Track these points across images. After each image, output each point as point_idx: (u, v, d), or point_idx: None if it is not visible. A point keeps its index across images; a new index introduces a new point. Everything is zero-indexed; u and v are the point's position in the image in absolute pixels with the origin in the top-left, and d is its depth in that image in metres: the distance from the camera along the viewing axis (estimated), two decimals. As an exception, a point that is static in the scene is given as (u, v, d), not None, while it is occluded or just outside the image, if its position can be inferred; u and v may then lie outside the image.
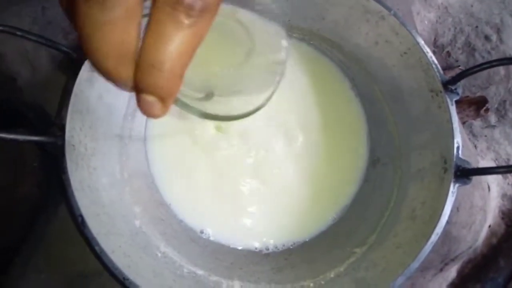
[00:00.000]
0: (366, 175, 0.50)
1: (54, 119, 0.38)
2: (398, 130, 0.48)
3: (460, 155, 0.39)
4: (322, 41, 0.53)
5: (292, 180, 0.50)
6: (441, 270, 0.53)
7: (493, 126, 0.82)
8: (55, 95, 0.43)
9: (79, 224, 0.34)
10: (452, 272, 0.63)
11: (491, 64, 0.39)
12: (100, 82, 0.41)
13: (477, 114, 0.79)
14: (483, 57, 0.84)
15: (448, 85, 0.42)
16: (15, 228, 0.47)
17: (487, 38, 0.84)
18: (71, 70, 0.38)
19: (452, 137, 0.40)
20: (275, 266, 0.44)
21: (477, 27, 0.84)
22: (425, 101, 0.44)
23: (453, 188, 0.38)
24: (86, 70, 0.39)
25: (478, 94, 0.82)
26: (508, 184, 0.74)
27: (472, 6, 0.84)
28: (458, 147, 0.40)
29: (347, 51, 0.52)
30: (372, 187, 0.48)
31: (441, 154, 0.41)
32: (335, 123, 0.52)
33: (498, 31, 0.83)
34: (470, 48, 0.85)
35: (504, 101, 0.83)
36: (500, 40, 0.82)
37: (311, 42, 0.54)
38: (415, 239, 0.38)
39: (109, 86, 0.42)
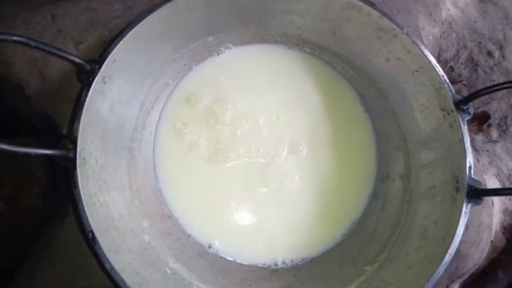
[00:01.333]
0: (375, 191, 0.50)
1: (66, 132, 0.37)
2: (407, 147, 0.48)
3: (472, 175, 0.40)
4: (333, 56, 0.53)
5: (300, 194, 0.50)
6: (447, 287, 0.53)
7: (495, 141, 0.82)
8: (64, 104, 0.43)
9: (90, 240, 0.33)
10: (455, 287, 0.63)
11: (502, 86, 0.39)
12: (112, 93, 0.41)
13: (480, 129, 0.79)
14: (485, 73, 0.85)
15: (460, 104, 0.42)
16: (20, 238, 0.46)
17: (490, 54, 0.85)
18: (83, 82, 0.38)
19: (465, 157, 0.40)
20: (284, 283, 0.44)
21: (480, 43, 0.85)
22: (436, 119, 0.44)
23: (465, 209, 0.38)
24: (98, 82, 0.38)
25: (481, 109, 0.82)
26: (510, 199, 0.74)
27: (475, 22, 0.85)
28: (470, 167, 0.40)
29: (357, 66, 0.52)
30: (381, 203, 0.48)
31: (453, 173, 0.41)
32: (343, 138, 0.52)
33: (501, 47, 0.84)
34: (473, 64, 0.86)
35: (506, 117, 0.84)
36: (503, 56, 0.83)
37: (322, 57, 0.54)
38: (427, 259, 0.38)
39: (120, 97, 0.42)
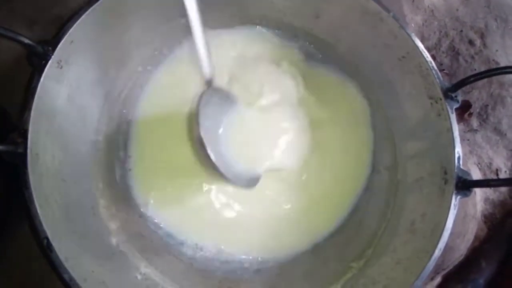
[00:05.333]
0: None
1: (14, 123, 0.32)
2: (393, 138, 0.46)
3: (461, 166, 0.38)
4: (316, 42, 0.50)
5: (284, 188, 0.47)
6: (432, 279, 0.52)
7: (475, 130, 0.82)
8: (17, 92, 0.38)
9: (45, 248, 0.29)
10: (438, 278, 0.63)
11: (493, 72, 0.37)
12: (70, 79, 0.36)
13: (461, 118, 0.79)
14: (466, 61, 0.85)
15: (448, 92, 0.40)
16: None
17: (471, 42, 0.84)
18: (35, 66, 0.33)
19: (453, 147, 0.38)
20: (267, 282, 0.41)
21: (461, 31, 0.85)
22: (423, 108, 0.42)
23: (455, 201, 0.36)
24: (53, 66, 0.34)
25: (462, 98, 0.82)
26: (490, 188, 0.75)
27: (457, 10, 0.84)
28: (459, 158, 0.38)
29: (341, 52, 0.49)
30: (367, 197, 0.46)
31: (441, 164, 0.39)
32: (335, 126, 0.49)
33: (482, 35, 0.83)
34: (454, 52, 0.85)
35: (486, 106, 0.84)
36: (484, 45, 0.82)
37: (306, 43, 0.50)
38: (416, 254, 0.36)
39: (81, 84, 0.37)
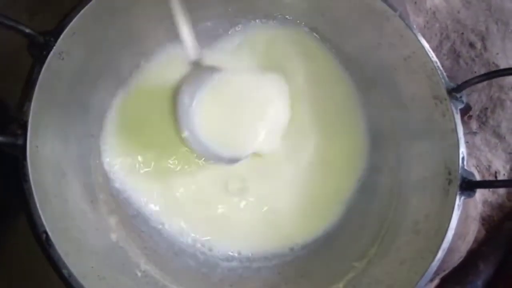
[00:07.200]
0: (362, 182, 0.47)
1: (14, 114, 0.32)
2: (396, 137, 0.46)
3: (465, 167, 0.38)
4: (319, 39, 0.49)
5: (282, 185, 0.46)
6: (431, 280, 0.52)
7: (474, 133, 0.83)
8: (16, 83, 0.37)
9: (43, 242, 0.28)
10: (436, 280, 0.63)
11: (500, 73, 0.37)
12: (72, 71, 0.35)
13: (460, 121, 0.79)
14: (467, 64, 0.85)
15: (453, 92, 0.40)
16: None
17: (471, 45, 0.85)
18: (36, 57, 0.32)
19: (458, 148, 0.38)
20: (268, 281, 0.41)
21: (462, 34, 0.85)
22: (427, 108, 0.42)
23: (459, 201, 0.36)
24: (55, 57, 0.33)
25: (462, 100, 0.82)
26: (489, 190, 0.75)
27: (459, 12, 0.84)
28: (463, 158, 0.38)
29: (346, 52, 0.49)
30: (369, 196, 0.46)
31: (445, 164, 0.39)
32: (329, 121, 0.49)
33: (483, 38, 0.84)
34: (455, 55, 0.85)
35: (486, 109, 0.84)
36: (485, 48, 0.83)
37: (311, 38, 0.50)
38: (420, 254, 0.36)
39: (83, 76, 0.37)
